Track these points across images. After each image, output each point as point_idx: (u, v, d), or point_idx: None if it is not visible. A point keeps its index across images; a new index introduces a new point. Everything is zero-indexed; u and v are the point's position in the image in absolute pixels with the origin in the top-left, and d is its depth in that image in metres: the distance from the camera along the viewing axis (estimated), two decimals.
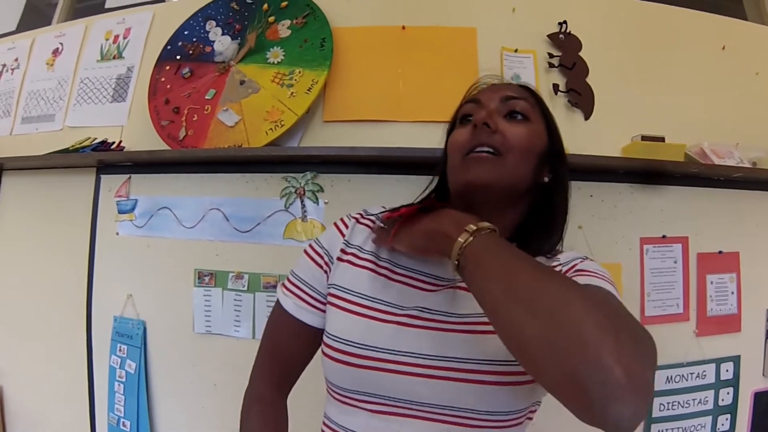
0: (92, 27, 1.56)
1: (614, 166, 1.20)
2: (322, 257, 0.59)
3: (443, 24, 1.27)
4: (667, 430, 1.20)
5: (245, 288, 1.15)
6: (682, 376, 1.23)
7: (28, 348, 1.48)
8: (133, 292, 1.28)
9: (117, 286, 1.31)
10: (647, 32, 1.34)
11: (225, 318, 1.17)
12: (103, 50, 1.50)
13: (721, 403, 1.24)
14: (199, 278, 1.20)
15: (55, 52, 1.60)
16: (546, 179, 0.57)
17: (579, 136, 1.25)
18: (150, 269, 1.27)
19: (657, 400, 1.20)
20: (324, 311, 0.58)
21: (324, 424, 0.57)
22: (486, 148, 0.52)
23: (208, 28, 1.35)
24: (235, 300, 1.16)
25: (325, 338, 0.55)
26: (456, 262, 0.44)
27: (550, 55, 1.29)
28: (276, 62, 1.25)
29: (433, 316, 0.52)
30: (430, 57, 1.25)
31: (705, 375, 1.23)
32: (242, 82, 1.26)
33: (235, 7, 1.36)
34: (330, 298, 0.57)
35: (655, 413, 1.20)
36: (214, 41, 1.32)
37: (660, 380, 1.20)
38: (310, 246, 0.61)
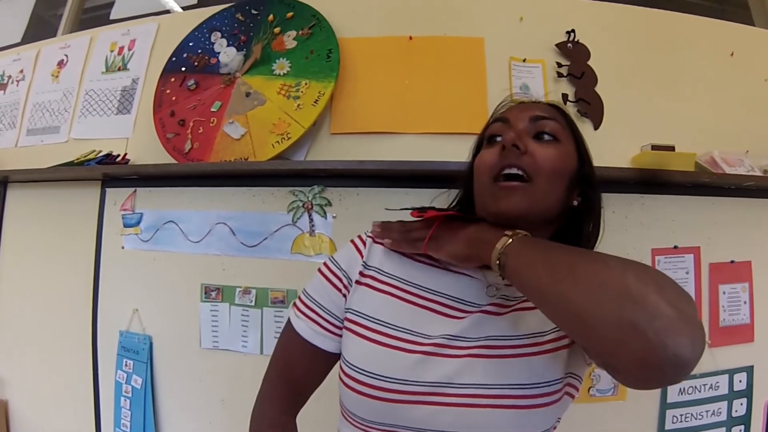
0: (97, 38, 1.53)
1: (624, 177, 1.17)
2: (340, 279, 0.55)
3: (451, 34, 1.24)
4: None
5: (253, 303, 1.11)
6: (695, 387, 1.19)
7: (34, 362, 1.45)
8: (139, 306, 1.25)
9: (123, 300, 1.27)
10: (655, 40, 1.31)
11: (232, 333, 1.13)
12: (108, 62, 1.47)
13: (734, 414, 1.20)
14: (205, 293, 1.16)
15: (60, 64, 1.58)
16: (575, 203, 0.54)
17: (589, 146, 1.22)
18: (156, 283, 1.23)
19: (670, 413, 1.17)
20: (340, 336, 0.55)
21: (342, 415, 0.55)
22: (515, 170, 0.50)
23: (213, 39, 1.32)
24: (242, 315, 1.12)
25: (343, 365, 0.52)
26: (497, 262, 0.45)
27: (559, 65, 1.25)
28: (282, 74, 1.22)
29: (458, 344, 0.50)
30: (437, 67, 1.22)
31: (718, 386, 1.20)
32: (248, 94, 1.23)
33: (241, 18, 1.33)
34: (348, 324, 0.54)
35: (668, 425, 1.17)
36: (219, 53, 1.29)
37: (673, 392, 1.16)
38: (326, 265, 0.57)
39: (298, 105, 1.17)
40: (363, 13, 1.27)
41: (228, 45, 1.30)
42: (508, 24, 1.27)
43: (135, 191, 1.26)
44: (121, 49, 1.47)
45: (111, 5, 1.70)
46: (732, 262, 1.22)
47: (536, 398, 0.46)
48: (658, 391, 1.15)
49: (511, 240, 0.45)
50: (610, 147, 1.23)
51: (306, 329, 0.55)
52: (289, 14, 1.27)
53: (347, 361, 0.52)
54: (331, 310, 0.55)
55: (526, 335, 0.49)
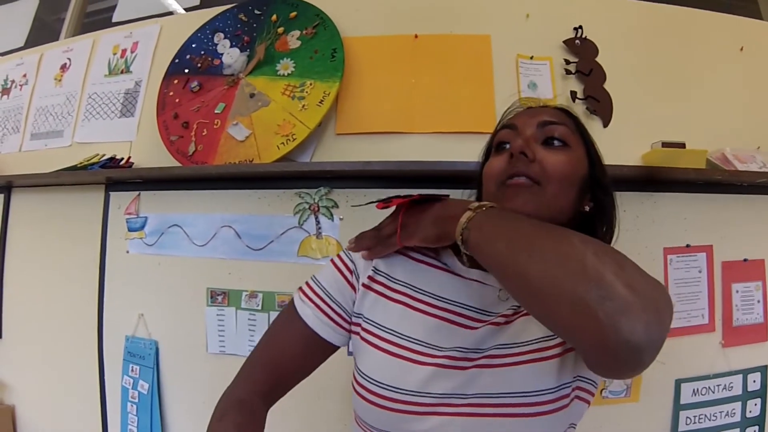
0: (100, 41, 1.49)
1: (636, 175, 1.13)
2: (351, 272, 0.54)
3: (457, 32, 1.20)
4: None
5: (259, 307, 1.08)
6: (709, 388, 1.15)
7: (40, 367, 1.42)
8: (145, 311, 1.22)
9: (128, 305, 1.24)
10: (663, 35, 1.26)
11: (239, 338, 1.10)
12: (111, 65, 1.44)
13: (748, 415, 1.16)
14: (211, 297, 1.13)
15: (63, 68, 1.54)
16: (587, 208, 0.52)
17: (598, 144, 1.18)
18: (162, 288, 1.20)
19: (683, 414, 1.13)
20: (344, 329, 0.53)
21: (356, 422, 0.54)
22: (523, 179, 0.48)
23: (216, 40, 1.29)
24: (249, 319, 1.09)
25: (356, 374, 0.51)
26: (460, 237, 0.43)
27: (567, 62, 1.21)
28: (286, 74, 1.18)
29: (470, 355, 0.48)
30: (444, 66, 1.18)
31: (732, 386, 1.16)
32: (252, 95, 1.19)
33: (244, 18, 1.29)
34: (361, 331, 0.52)
35: (682, 427, 1.13)
36: (222, 54, 1.25)
37: (686, 393, 1.13)
38: (339, 257, 0.56)
39: (303, 105, 1.13)
40: (367, 12, 1.23)
41: (231, 46, 1.26)
42: (514, 21, 1.23)
43: (139, 195, 1.23)
44: (124, 51, 1.43)
45: (113, 8, 1.67)
46: (745, 260, 1.18)
47: (542, 405, 0.45)
48: (671, 393, 1.12)
49: (474, 213, 0.43)
50: (620, 144, 1.19)
51: (312, 316, 0.53)
52: (293, 14, 1.24)
53: (361, 371, 0.50)
54: (340, 303, 0.53)
55: (531, 341, 0.47)
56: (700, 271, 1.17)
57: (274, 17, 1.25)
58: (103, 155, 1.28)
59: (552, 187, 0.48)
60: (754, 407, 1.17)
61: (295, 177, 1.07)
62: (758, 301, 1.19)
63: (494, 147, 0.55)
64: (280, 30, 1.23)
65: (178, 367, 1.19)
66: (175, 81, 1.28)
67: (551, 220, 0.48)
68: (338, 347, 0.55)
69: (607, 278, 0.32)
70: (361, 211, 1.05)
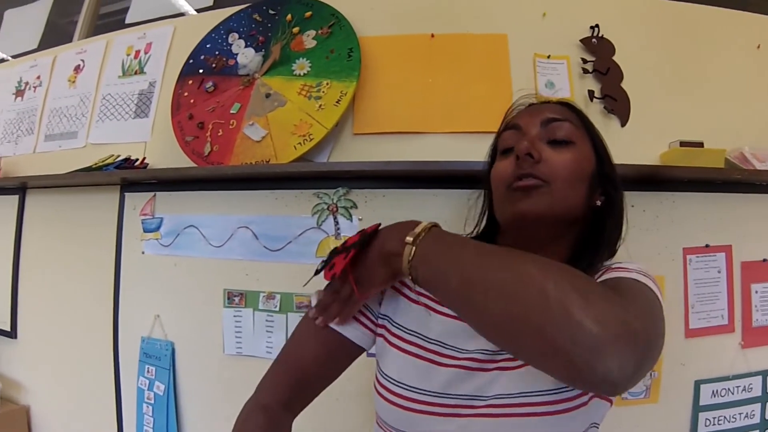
0: (113, 43, 1.47)
1: (654, 175, 1.09)
2: None
3: (473, 31, 1.17)
4: None
5: (277, 308, 1.05)
6: (728, 389, 1.11)
7: (55, 368, 1.39)
8: (161, 312, 1.19)
9: (144, 306, 1.21)
10: (679, 33, 1.23)
11: (257, 339, 1.07)
12: (125, 66, 1.41)
13: None
14: (228, 299, 1.10)
15: (77, 69, 1.51)
16: (598, 202, 0.51)
17: (616, 143, 1.09)
18: (178, 289, 1.17)
19: (702, 416, 1.09)
20: (370, 330, 0.52)
21: (377, 424, 0.53)
22: (531, 181, 0.47)
23: (230, 40, 1.26)
24: (267, 321, 1.06)
25: (379, 376, 0.50)
26: (410, 276, 0.42)
27: (584, 61, 1.18)
28: (302, 74, 1.15)
29: (493, 357, 0.47)
30: (460, 65, 1.14)
31: (751, 388, 1.12)
32: (268, 95, 1.16)
33: (258, 18, 1.26)
34: (384, 333, 0.51)
35: (701, 428, 1.09)
36: (237, 54, 1.22)
37: (706, 395, 1.09)
38: None
39: (320, 105, 1.10)
40: (382, 11, 1.20)
41: (246, 46, 1.23)
42: (531, 20, 1.19)
43: (154, 195, 1.20)
44: (138, 52, 1.40)
45: (126, 10, 1.64)
46: (764, 260, 1.14)
47: (561, 403, 0.43)
48: (690, 394, 1.09)
49: (414, 246, 0.41)
50: (638, 144, 1.16)
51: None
52: (308, 14, 1.20)
53: (384, 373, 0.50)
54: (366, 303, 0.52)
55: None
56: (719, 272, 1.14)
57: (288, 17, 1.22)
58: (118, 156, 1.25)
59: (561, 186, 0.46)
60: None
61: (313, 177, 1.04)
62: None
63: (499, 150, 0.54)
64: (296, 30, 1.20)
65: (194, 368, 1.16)
66: (190, 81, 1.25)
67: (563, 219, 0.48)
68: (364, 350, 0.53)
69: (574, 316, 0.30)
70: (381, 212, 1.01)
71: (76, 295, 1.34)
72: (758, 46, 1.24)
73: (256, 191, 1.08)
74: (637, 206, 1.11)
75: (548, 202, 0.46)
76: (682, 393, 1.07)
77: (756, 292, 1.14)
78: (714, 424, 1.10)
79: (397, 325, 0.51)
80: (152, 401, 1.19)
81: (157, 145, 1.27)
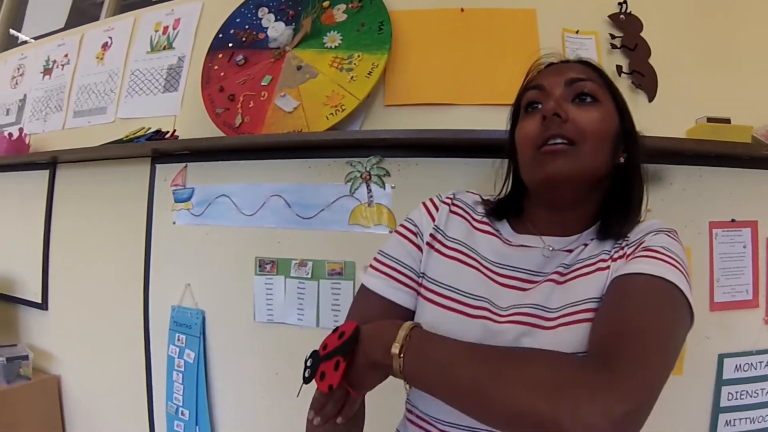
0: (141, 19, 1.44)
1: (682, 149, 1.07)
2: (416, 234, 0.53)
3: (502, 6, 1.14)
4: (735, 420, 1.07)
5: (309, 276, 1.03)
6: (751, 364, 1.09)
7: (85, 338, 1.38)
8: (191, 281, 1.17)
9: (174, 275, 1.20)
10: (706, 10, 1.19)
11: (288, 306, 1.05)
12: (153, 42, 1.39)
13: None
14: (260, 266, 1.08)
15: (105, 46, 1.50)
16: (621, 160, 0.50)
17: (643, 119, 1.07)
18: (208, 258, 1.15)
19: (725, 389, 1.07)
20: (416, 291, 0.52)
21: (409, 411, 0.53)
22: (559, 141, 0.46)
23: (260, 15, 1.23)
24: (298, 288, 1.04)
25: None
26: (408, 387, 0.43)
27: (612, 36, 1.15)
28: (333, 47, 1.13)
29: (523, 311, 0.46)
30: (490, 39, 1.12)
31: None
32: (299, 68, 1.14)
33: None
34: (423, 290, 0.51)
35: (723, 403, 1.07)
36: (267, 28, 1.19)
37: (729, 369, 1.07)
38: (402, 225, 0.55)
39: (352, 77, 1.07)
40: None
41: (276, 20, 1.20)
42: None
43: (186, 166, 1.18)
44: (166, 28, 1.38)
45: None
46: None
47: None
48: (713, 368, 1.06)
49: (401, 359, 0.41)
50: (665, 120, 1.13)
51: (381, 286, 0.51)
52: None
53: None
54: (409, 265, 0.52)
55: (585, 300, 0.45)
56: (744, 247, 1.11)
57: None
58: (149, 128, 1.24)
59: (588, 146, 0.46)
60: None
61: (346, 146, 1.02)
62: None
63: (523, 108, 0.52)
64: (326, 4, 1.17)
65: (224, 336, 1.15)
66: (220, 55, 1.23)
67: (591, 178, 0.47)
68: (413, 311, 0.52)
69: (564, 425, 0.32)
70: (414, 180, 0.99)
71: (106, 267, 1.33)
72: None
73: (289, 160, 1.06)
74: (664, 179, 1.09)
75: (577, 164, 0.45)
76: (705, 366, 1.05)
77: None
78: (736, 399, 1.08)
79: (430, 280, 0.51)
80: (182, 369, 1.18)
81: (186, 118, 1.25)
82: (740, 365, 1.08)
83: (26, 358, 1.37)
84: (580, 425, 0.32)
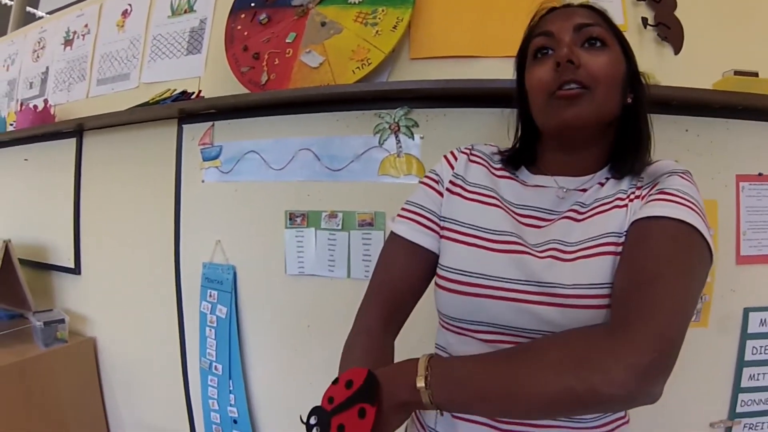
0: None
1: (709, 100, 1.03)
2: (438, 182, 0.55)
3: None
4: (759, 374, 1.04)
5: (339, 227, 1.02)
6: None
7: (119, 300, 1.39)
8: (222, 237, 1.17)
9: (205, 232, 1.19)
10: None
11: (319, 258, 1.05)
12: (173, 6, 1.35)
13: None
14: (290, 219, 1.07)
15: (125, 14, 1.46)
16: (629, 100, 0.50)
17: (669, 71, 1.07)
18: (238, 214, 1.15)
19: (750, 343, 1.03)
20: (436, 232, 0.53)
21: (437, 351, 0.55)
22: (574, 86, 0.46)
23: None
24: (329, 239, 1.03)
25: (439, 271, 0.51)
26: (440, 414, 0.45)
27: None
28: (357, 2, 1.09)
29: (545, 247, 0.47)
30: None
31: None
32: (323, 24, 1.10)
33: None
34: (444, 232, 0.52)
35: (748, 356, 1.03)
36: None
37: (754, 323, 1.04)
38: (426, 176, 0.57)
39: (377, 31, 1.04)
40: None
41: None
42: None
43: (213, 125, 1.16)
44: None
45: None
46: None
47: (605, 298, 0.43)
48: (738, 321, 1.03)
49: (430, 391, 0.40)
50: (691, 72, 1.08)
51: (406, 230, 0.54)
52: None
53: (443, 266, 0.51)
54: (430, 208, 0.54)
55: (604, 234, 0.45)
56: None
57: None
58: (174, 90, 1.22)
59: (601, 90, 0.46)
60: None
61: (373, 98, 1.00)
62: None
63: (530, 56, 0.51)
64: None
65: (256, 290, 1.15)
66: (242, 15, 1.20)
67: (604, 122, 0.48)
68: (437, 255, 0.53)
69: (603, 394, 0.34)
70: (442, 131, 0.97)
71: (136, 229, 1.33)
72: None
73: (317, 114, 1.04)
74: (691, 130, 1.06)
75: (592, 108, 0.46)
76: (731, 319, 1.03)
77: None
78: (761, 353, 1.05)
79: (453, 221, 0.52)
80: (214, 325, 1.19)
81: (211, 78, 1.23)
82: (765, 320, 1.06)
83: (62, 321, 1.38)
84: (614, 386, 0.33)
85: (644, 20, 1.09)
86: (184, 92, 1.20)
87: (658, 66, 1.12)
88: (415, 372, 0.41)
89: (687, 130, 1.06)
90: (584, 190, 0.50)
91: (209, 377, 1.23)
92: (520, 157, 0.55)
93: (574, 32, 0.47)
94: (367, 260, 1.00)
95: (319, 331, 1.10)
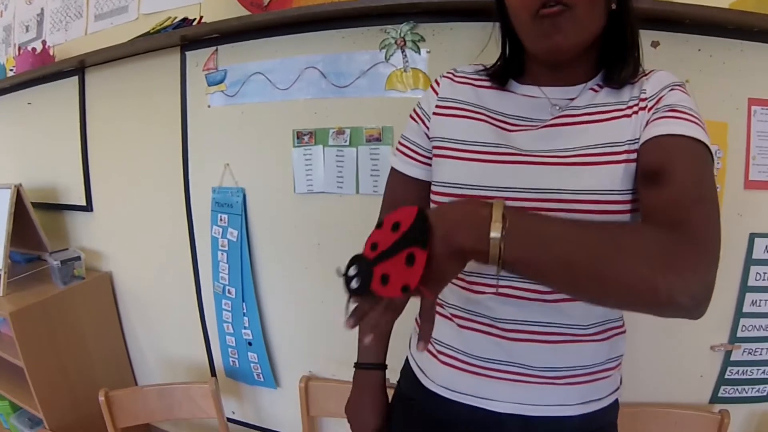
0: None
1: (724, 20, 0.98)
2: (419, 115, 0.57)
3: None
4: (762, 300, 1.01)
5: (347, 143, 1.01)
6: None
7: (131, 232, 1.40)
8: (230, 161, 1.16)
9: (213, 157, 1.18)
10: None
11: (327, 176, 1.05)
12: None
13: None
14: (297, 138, 1.06)
15: None
16: (613, 6, 0.48)
17: None
18: (246, 136, 1.13)
19: (754, 269, 1.01)
20: (424, 163, 0.56)
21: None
22: (554, 3, 0.42)
23: None
24: (337, 155, 1.03)
25: (433, 188, 0.52)
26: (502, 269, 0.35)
27: None
28: None
29: (538, 153, 0.47)
30: None
31: None
32: None
33: None
34: (435, 151, 0.53)
35: (752, 282, 1.01)
36: None
37: (759, 249, 1.01)
38: (414, 110, 0.59)
39: None
40: None
41: None
42: None
43: (216, 50, 1.13)
44: None
45: None
46: None
47: (612, 204, 0.44)
48: (744, 246, 1.00)
49: (501, 244, 0.33)
50: None
51: (399, 163, 0.58)
52: None
53: (436, 182, 0.51)
54: (417, 142, 0.57)
55: (610, 143, 0.45)
56: None
57: None
58: (175, 18, 1.17)
59: (583, 6, 0.43)
60: None
61: (379, 14, 0.96)
62: None
63: None
64: None
65: (266, 211, 1.15)
66: None
67: (593, 37, 0.46)
68: (428, 182, 0.56)
69: (676, 298, 0.34)
70: (449, 43, 0.94)
71: (145, 161, 1.32)
72: None
73: (322, 32, 1.00)
74: (704, 50, 1.02)
75: (577, 31, 0.44)
76: (736, 244, 1.01)
77: None
78: (764, 279, 1.02)
79: (443, 139, 0.52)
80: (226, 249, 1.21)
81: (211, 4, 1.17)
82: None
83: (78, 259, 1.40)
84: (688, 297, 0.33)
85: None
86: (185, 19, 1.15)
87: None
88: (487, 217, 0.34)
89: (699, 50, 1.01)
90: (574, 99, 0.49)
91: (223, 301, 1.26)
92: (507, 70, 0.53)
93: None
94: (375, 175, 1.00)
95: (329, 248, 1.11)
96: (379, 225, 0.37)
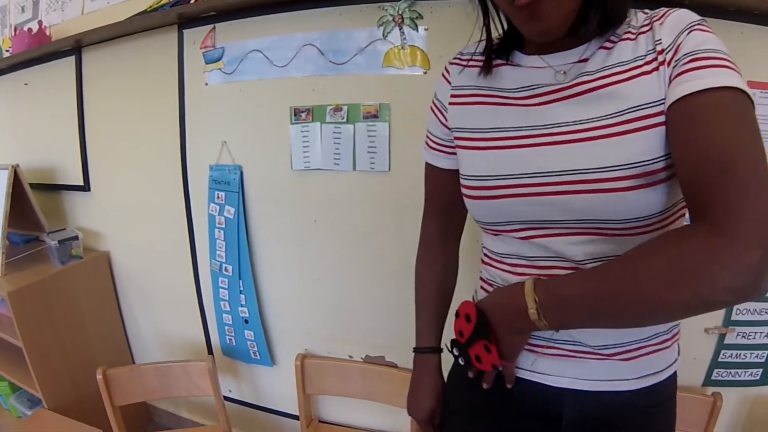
0: None
1: (724, 2, 0.97)
2: (437, 107, 0.56)
3: None
4: None
5: (344, 120, 1.00)
6: None
7: (129, 211, 1.38)
8: (227, 138, 1.14)
9: (210, 135, 1.16)
10: None
11: (324, 152, 1.03)
12: None
13: None
14: (295, 115, 1.05)
15: None
16: None
17: None
18: (243, 114, 1.11)
19: None
20: (451, 153, 0.56)
21: (483, 254, 0.57)
22: None
23: None
24: (334, 133, 1.02)
25: (461, 180, 0.52)
26: (552, 331, 0.44)
27: None
28: None
29: (555, 130, 0.44)
30: None
31: None
32: None
33: None
34: (456, 142, 0.53)
35: None
36: None
37: None
38: (432, 102, 0.58)
39: None
40: None
41: None
42: None
43: (214, 27, 1.10)
44: None
45: None
46: None
47: (638, 178, 0.39)
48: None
49: (544, 321, 0.41)
50: None
51: (428, 155, 0.59)
52: None
53: (462, 175, 0.51)
54: (438, 135, 0.57)
55: (633, 108, 0.40)
56: None
57: None
58: None
59: None
60: None
61: None
62: None
63: None
64: None
65: (263, 188, 1.14)
66: None
67: (577, 6, 0.41)
68: (455, 170, 0.56)
69: (718, 298, 0.33)
70: (447, 20, 0.93)
71: (142, 140, 1.29)
72: None
73: (319, 9, 0.98)
74: None
75: (558, 7, 0.39)
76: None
77: None
78: None
79: (461, 130, 0.51)
80: (223, 226, 1.19)
81: None
82: None
83: (76, 238, 1.38)
84: (725, 291, 0.31)
85: None
86: None
87: None
88: (524, 305, 0.41)
89: None
90: (585, 60, 0.43)
91: (220, 279, 1.24)
92: (509, 42, 0.50)
93: None
94: (372, 152, 0.99)
95: (327, 225, 1.10)
96: (457, 315, 0.50)
